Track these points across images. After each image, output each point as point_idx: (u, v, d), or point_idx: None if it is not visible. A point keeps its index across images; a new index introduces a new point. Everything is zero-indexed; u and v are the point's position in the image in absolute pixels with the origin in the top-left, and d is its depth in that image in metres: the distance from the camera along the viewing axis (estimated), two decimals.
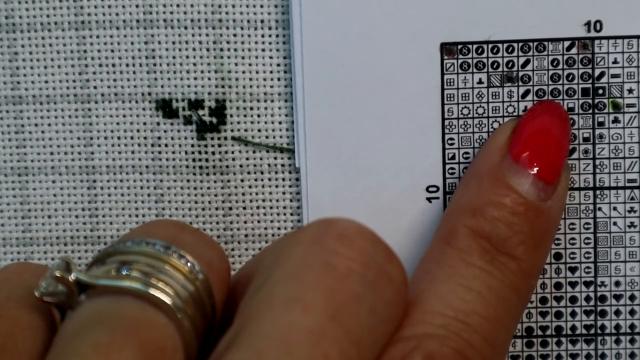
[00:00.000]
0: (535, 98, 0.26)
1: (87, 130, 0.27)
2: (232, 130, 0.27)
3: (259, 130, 0.27)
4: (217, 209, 0.27)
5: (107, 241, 0.27)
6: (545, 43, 0.26)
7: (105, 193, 0.27)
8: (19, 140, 0.27)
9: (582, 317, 0.27)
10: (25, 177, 0.27)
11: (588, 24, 0.26)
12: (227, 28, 0.26)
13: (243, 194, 0.27)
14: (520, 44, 0.26)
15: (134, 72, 0.27)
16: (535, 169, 0.23)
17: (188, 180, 0.27)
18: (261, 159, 0.27)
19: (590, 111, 0.26)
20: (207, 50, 0.26)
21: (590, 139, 0.26)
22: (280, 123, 0.27)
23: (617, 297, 0.27)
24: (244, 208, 0.27)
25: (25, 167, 0.27)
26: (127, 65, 0.27)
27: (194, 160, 0.27)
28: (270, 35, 0.26)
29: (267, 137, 0.27)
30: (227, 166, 0.27)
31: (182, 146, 0.27)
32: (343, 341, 0.16)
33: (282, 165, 0.27)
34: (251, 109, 0.27)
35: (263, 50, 0.26)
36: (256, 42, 0.26)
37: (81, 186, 0.27)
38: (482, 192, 0.23)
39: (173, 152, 0.27)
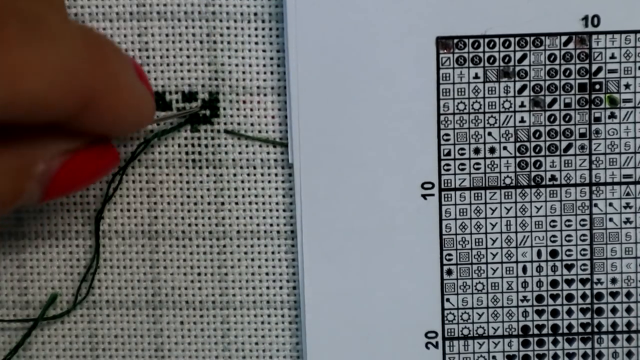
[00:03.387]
0: (532, 93, 0.26)
1: None
2: (225, 124, 0.27)
3: (252, 124, 0.27)
4: (209, 203, 0.27)
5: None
6: (543, 38, 0.26)
7: (97, 187, 0.27)
8: None
9: (578, 315, 0.27)
10: None
11: (585, 18, 0.26)
12: (221, 21, 0.26)
13: (235, 189, 0.27)
14: (517, 39, 0.26)
15: None
16: None
17: (181, 174, 0.27)
18: (254, 153, 0.27)
19: (587, 107, 0.26)
20: (201, 42, 0.26)
21: (586, 135, 0.26)
22: (273, 117, 0.27)
23: (614, 295, 0.27)
24: (237, 203, 0.27)
25: None
26: None
27: (186, 153, 0.27)
28: (263, 28, 0.26)
29: (260, 131, 0.27)
30: (220, 160, 0.27)
31: (175, 139, 0.27)
32: None
33: (275, 160, 0.27)
34: (244, 102, 0.26)
35: (256, 43, 0.26)
36: (249, 35, 0.26)
37: None
38: None
39: (166, 145, 0.27)
